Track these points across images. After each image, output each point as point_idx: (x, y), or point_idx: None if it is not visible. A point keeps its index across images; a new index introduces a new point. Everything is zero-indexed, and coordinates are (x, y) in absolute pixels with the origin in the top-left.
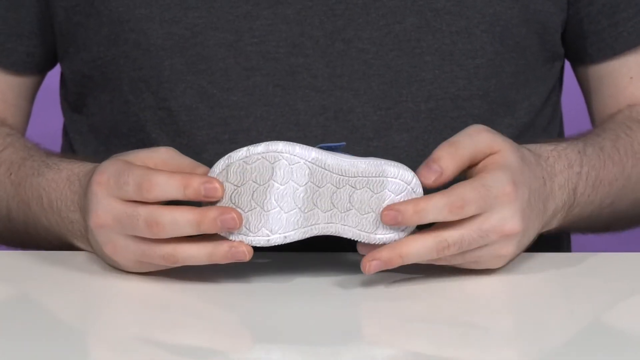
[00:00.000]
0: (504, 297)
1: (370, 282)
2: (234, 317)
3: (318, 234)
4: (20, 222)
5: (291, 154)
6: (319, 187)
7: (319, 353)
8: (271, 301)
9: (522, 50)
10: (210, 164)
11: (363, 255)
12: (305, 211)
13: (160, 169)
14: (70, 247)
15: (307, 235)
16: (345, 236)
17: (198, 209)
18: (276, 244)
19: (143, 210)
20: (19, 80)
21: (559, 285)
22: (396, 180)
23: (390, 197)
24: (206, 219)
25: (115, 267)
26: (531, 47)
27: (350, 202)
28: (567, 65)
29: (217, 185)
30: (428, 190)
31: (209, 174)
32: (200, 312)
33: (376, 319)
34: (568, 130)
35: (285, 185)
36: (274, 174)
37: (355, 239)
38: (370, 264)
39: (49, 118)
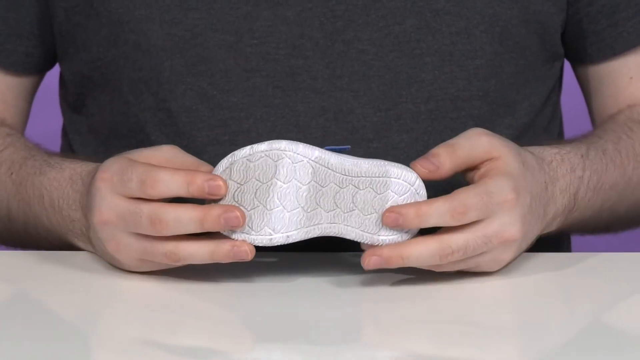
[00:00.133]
0: (504, 297)
1: (370, 282)
2: (235, 317)
3: (321, 235)
4: (21, 222)
5: (294, 152)
6: (322, 187)
7: (319, 353)
8: (272, 301)
9: (521, 50)
10: (210, 165)
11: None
12: (308, 210)
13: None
14: (70, 247)
15: (310, 236)
16: (347, 237)
17: (201, 207)
18: (279, 244)
19: (146, 208)
20: (18, 80)
21: (559, 285)
22: (399, 181)
23: (393, 198)
24: (209, 217)
25: (117, 267)
26: (531, 48)
27: (353, 202)
28: (567, 65)
29: (220, 182)
30: (431, 195)
31: (212, 172)
32: (200, 312)
33: (376, 319)
34: (568, 130)
35: (288, 183)
36: (277, 172)
37: (358, 240)
38: (370, 259)
39: (49, 118)
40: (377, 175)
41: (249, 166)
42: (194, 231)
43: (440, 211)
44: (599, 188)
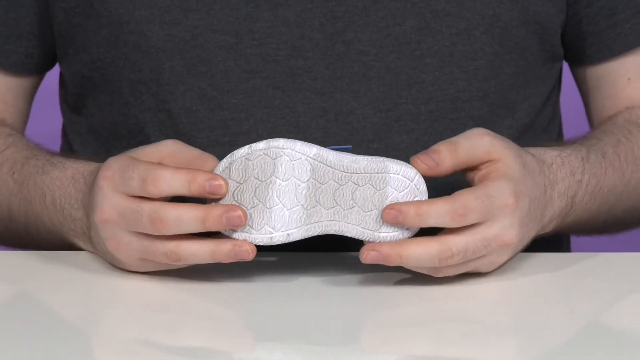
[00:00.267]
0: (503, 297)
1: (371, 282)
2: (235, 317)
3: (321, 233)
4: (22, 221)
5: (292, 150)
6: (322, 184)
7: (319, 353)
8: (272, 301)
9: (521, 51)
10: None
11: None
12: (308, 208)
13: (168, 162)
14: (70, 246)
15: (310, 234)
16: (348, 235)
17: (203, 206)
18: (279, 242)
19: (147, 206)
20: (18, 81)
21: (558, 285)
22: (399, 176)
23: (393, 194)
24: (211, 216)
25: (117, 267)
26: (531, 48)
27: (353, 199)
28: (565, 65)
29: (221, 182)
30: (432, 194)
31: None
32: (201, 311)
33: (377, 319)
34: (567, 131)
35: (287, 181)
36: (276, 170)
37: (359, 238)
38: (369, 253)
39: (49, 118)
40: (376, 171)
41: (248, 165)
42: (195, 230)
43: (440, 212)
44: (597, 192)
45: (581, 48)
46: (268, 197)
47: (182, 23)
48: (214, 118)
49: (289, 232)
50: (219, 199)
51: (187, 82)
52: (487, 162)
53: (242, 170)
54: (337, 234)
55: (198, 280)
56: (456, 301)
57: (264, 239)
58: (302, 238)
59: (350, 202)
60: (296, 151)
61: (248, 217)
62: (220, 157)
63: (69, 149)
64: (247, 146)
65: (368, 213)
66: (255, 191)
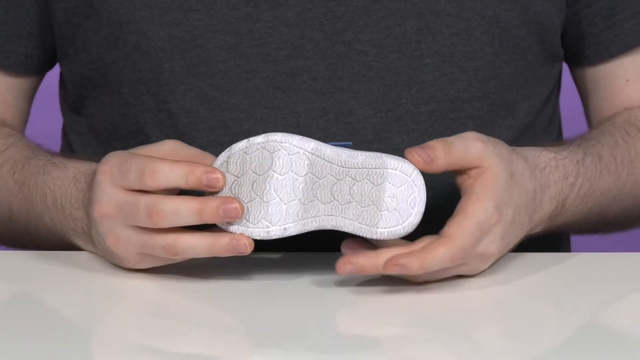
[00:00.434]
0: (503, 297)
1: (371, 282)
2: (235, 318)
3: (318, 228)
4: (22, 222)
5: (290, 144)
6: (319, 179)
7: (319, 356)
8: (271, 302)
9: (521, 51)
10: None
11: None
12: (305, 202)
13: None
14: (70, 246)
15: (307, 228)
16: (345, 230)
17: (200, 198)
18: (276, 237)
19: (144, 199)
20: (18, 81)
21: (558, 285)
22: (396, 172)
23: (390, 190)
24: (208, 208)
25: (117, 265)
26: (531, 48)
27: (350, 194)
28: (565, 66)
29: (219, 175)
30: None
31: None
32: (201, 313)
33: (377, 319)
34: (566, 131)
35: (284, 175)
36: (274, 163)
37: (356, 233)
38: (345, 267)
39: (49, 118)
40: (373, 166)
41: (246, 158)
42: (192, 222)
43: (442, 260)
44: (590, 195)
45: (580, 49)
46: (265, 191)
47: (182, 23)
48: (214, 118)
49: (286, 226)
50: (217, 192)
51: (187, 82)
52: (476, 167)
53: (240, 164)
54: (334, 229)
55: (198, 279)
56: (455, 302)
57: (260, 233)
58: (299, 233)
59: (348, 197)
60: (294, 145)
61: (245, 211)
62: None
63: (69, 149)
64: (245, 140)
65: (365, 208)
66: (252, 185)
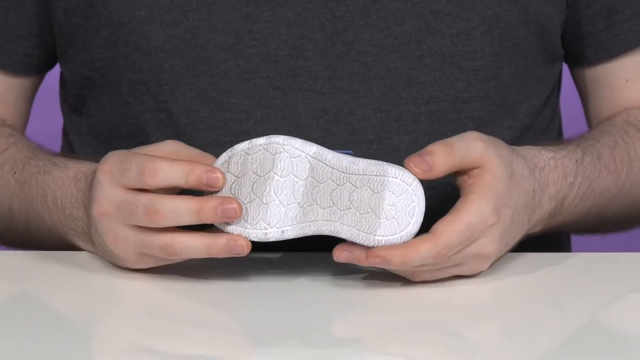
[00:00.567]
0: (503, 297)
1: (372, 282)
2: (235, 318)
3: (316, 233)
4: (22, 221)
5: (292, 147)
6: (320, 183)
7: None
8: (271, 302)
9: (521, 51)
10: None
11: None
12: (304, 206)
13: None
14: (70, 246)
15: (305, 232)
16: (343, 236)
17: (198, 198)
18: (274, 239)
19: (143, 198)
20: (18, 81)
21: (558, 285)
22: (397, 180)
23: (390, 198)
24: (206, 208)
25: (116, 264)
26: (531, 49)
27: (350, 200)
28: (565, 66)
29: (219, 175)
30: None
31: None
32: (200, 313)
33: (377, 320)
34: (567, 131)
35: (285, 177)
36: (275, 165)
37: (354, 240)
38: (341, 252)
39: (49, 118)
40: (374, 174)
41: (247, 159)
42: (191, 222)
43: (425, 256)
44: (589, 194)
45: (580, 49)
46: (265, 193)
47: (182, 23)
48: (214, 118)
49: (284, 229)
50: (216, 192)
51: (187, 82)
52: (477, 167)
53: (241, 165)
54: (332, 234)
55: (198, 280)
56: (455, 302)
57: (258, 235)
58: (297, 236)
59: (347, 203)
60: (296, 148)
61: (244, 212)
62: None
63: (69, 149)
64: (247, 141)
65: (364, 215)
66: (252, 186)
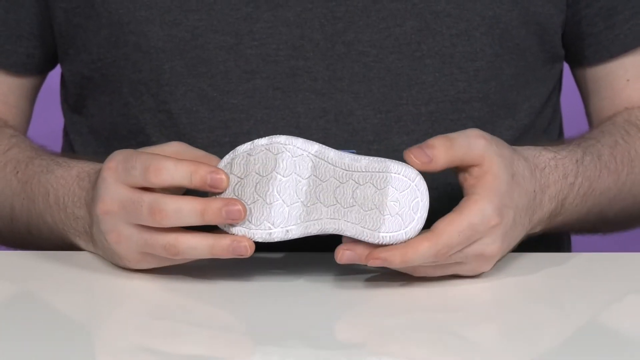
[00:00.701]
0: (503, 297)
1: (372, 282)
2: (235, 319)
3: (320, 231)
4: (24, 221)
5: (294, 146)
6: (322, 181)
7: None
8: (272, 302)
9: (522, 52)
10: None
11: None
12: (308, 205)
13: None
14: (71, 246)
15: (309, 232)
16: (347, 234)
17: (202, 199)
18: (278, 239)
19: (147, 197)
20: (20, 81)
21: (558, 285)
22: (400, 176)
23: (393, 194)
24: (210, 209)
25: (117, 264)
26: (531, 49)
27: (353, 197)
28: (566, 66)
29: (223, 176)
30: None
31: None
32: (201, 313)
33: (377, 320)
34: (567, 131)
35: (287, 177)
36: (277, 165)
37: (358, 237)
38: (344, 252)
39: (50, 118)
40: (377, 170)
41: (250, 160)
42: (194, 223)
43: (425, 256)
44: (589, 194)
45: (580, 49)
46: (268, 193)
47: (182, 23)
48: (214, 118)
49: (288, 228)
50: (220, 193)
51: (187, 83)
52: (477, 166)
53: (243, 165)
54: (336, 233)
55: (199, 280)
56: (455, 302)
57: (262, 235)
58: (302, 236)
59: (351, 201)
60: (298, 147)
61: (248, 212)
62: (221, 158)
63: (70, 149)
64: (249, 142)
65: (368, 212)
66: (255, 186)
